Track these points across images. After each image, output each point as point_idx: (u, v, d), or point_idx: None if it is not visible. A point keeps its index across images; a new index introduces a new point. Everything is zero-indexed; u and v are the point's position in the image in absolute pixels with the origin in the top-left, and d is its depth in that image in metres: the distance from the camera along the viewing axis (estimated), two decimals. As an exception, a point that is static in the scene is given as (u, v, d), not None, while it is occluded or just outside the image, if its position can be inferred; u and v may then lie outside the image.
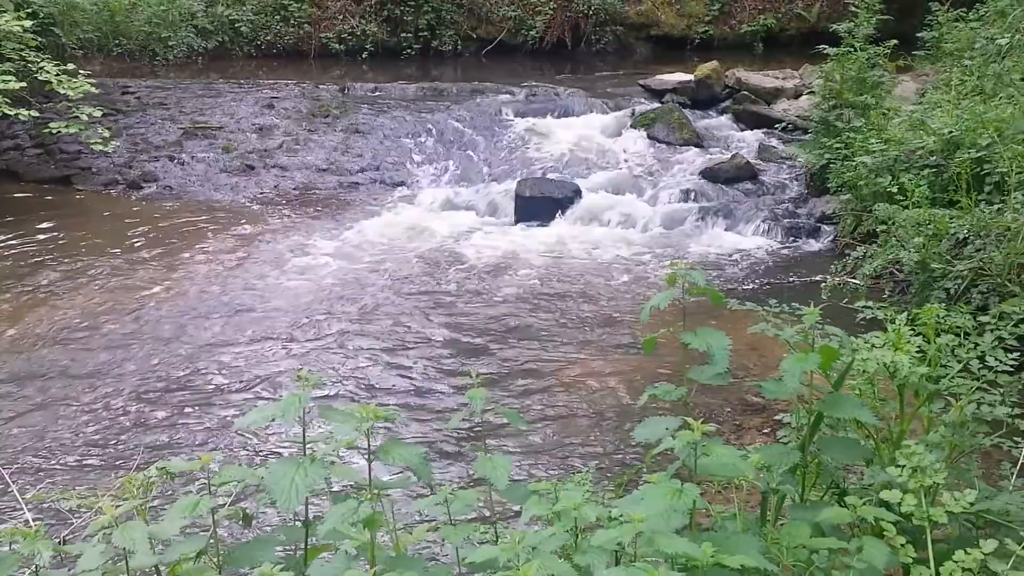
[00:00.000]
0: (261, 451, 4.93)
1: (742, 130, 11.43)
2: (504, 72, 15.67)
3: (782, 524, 2.45)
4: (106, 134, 10.09)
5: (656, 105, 11.88)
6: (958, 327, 2.75)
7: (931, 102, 8.22)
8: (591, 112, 11.89)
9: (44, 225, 8.96)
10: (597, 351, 6.25)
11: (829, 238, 8.50)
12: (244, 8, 16.41)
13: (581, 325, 6.71)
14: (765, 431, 4.92)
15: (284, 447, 4.87)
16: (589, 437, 5.06)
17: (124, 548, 2.19)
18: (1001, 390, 2.70)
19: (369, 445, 2.18)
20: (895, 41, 9.05)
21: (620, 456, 4.80)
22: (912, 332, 2.67)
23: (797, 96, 11.55)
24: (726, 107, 12.11)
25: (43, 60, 9.80)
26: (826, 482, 2.60)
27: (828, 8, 17.72)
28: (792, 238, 8.69)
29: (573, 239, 8.79)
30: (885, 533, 2.07)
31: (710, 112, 12.14)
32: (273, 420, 2.30)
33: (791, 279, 7.64)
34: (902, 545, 2.08)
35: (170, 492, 3.71)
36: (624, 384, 5.69)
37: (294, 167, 10.69)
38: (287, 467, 2.22)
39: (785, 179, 9.93)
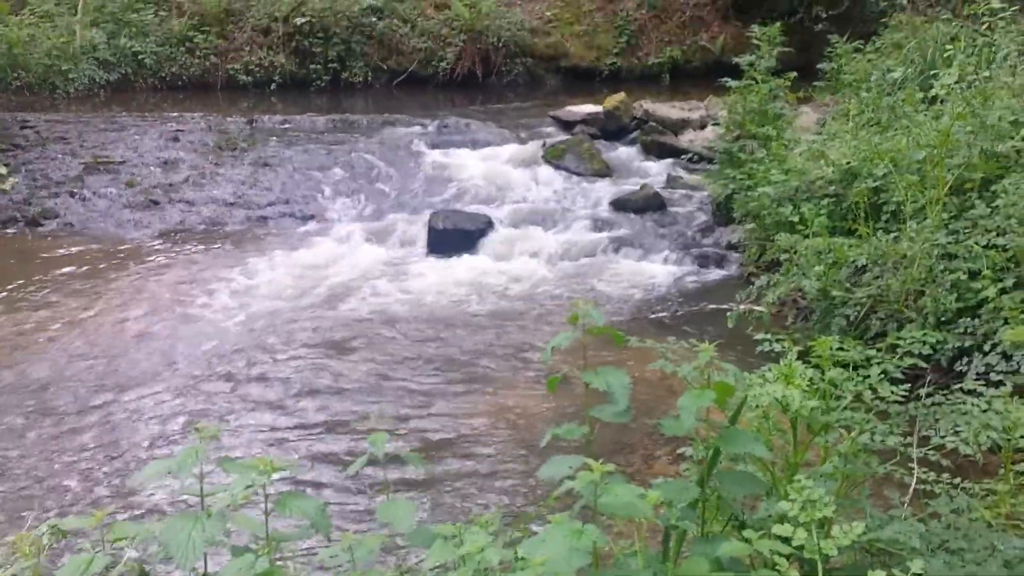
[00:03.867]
0: (158, 505, 4.78)
1: (650, 161, 11.65)
2: (415, 104, 15.70)
3: (684, 559, 2.49)
4: (3, 171, 9.78)
5: (566, 136, 12.04)
6: (848, 361, 2.83)
7: (830, 133, 8.50)
8: (502, 143, 11.97)
9: (-64, 266, 8.64)
10: (507, 387, 6.25)
11: (735, 266, 8.68)
12: (148, 40, 16.12)
13: (492, 360, 6.71)
14: (674, 461, 4.98)
15: (182, 500, 4.74)
16: (498, 476, 5.05)
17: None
18: (891, 421, 2.79)
19: (266, 498, 2.15)
20: (795, 73, 9.34)
21: (529, 495, 4.80)
22: (807, 364, 2.75)
23: (703, 127, 11.81)
24: (635, 138, 12.32)
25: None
26: (726, 515, 2.64)
27: (732, 41, 18.21)
28: (700, 267, 8.85)
29: (486, 271, 8.81)
30: (778, 567, 2.11)
31: (619, 143, 12.35)
32: (169, 474, 2.25)
33: (700, 307, 7.77)
34: (794, 579, 2.12)
35: (62, 551, 3.58)
36: (533, 421, 5.69)
37: (200, 201, 10.50)
38: (184, 521, 2.17)
39: (692, 209, 10.13)
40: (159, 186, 10.71)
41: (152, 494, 4.85)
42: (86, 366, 6.52)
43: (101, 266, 8.71)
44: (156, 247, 9.42)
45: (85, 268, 8.65)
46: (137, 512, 4.70)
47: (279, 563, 2.34)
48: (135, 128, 12.16)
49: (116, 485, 5.00)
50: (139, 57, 15.96)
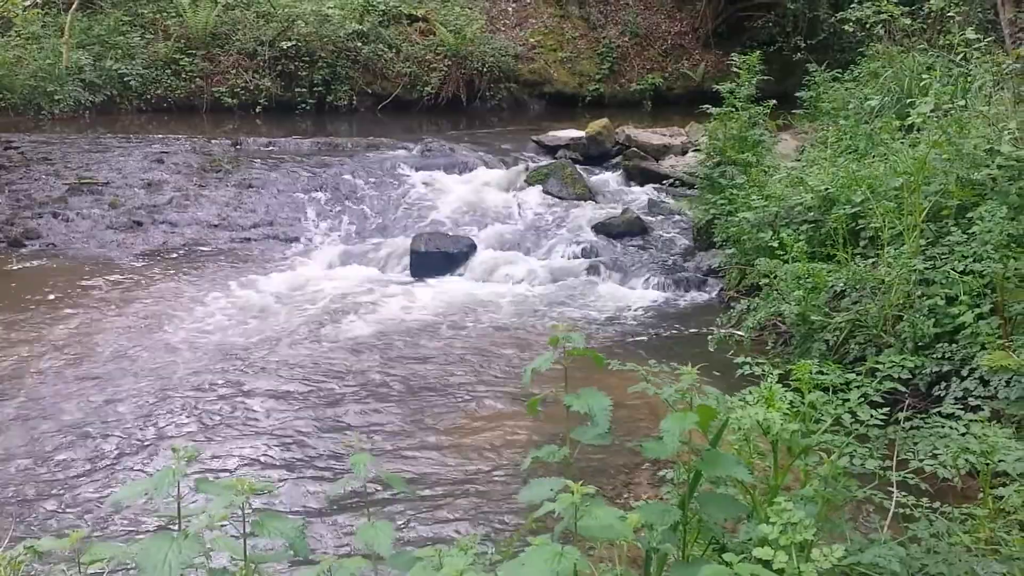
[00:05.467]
0: (135, 526, 4.74)
1: (632, 185, 11.74)
2: (400, 127, 15.77)
3: (664, 582, 2.49)
4: (-15, 191, 9.76)
5: (549, 161, 12.13)
6: (828, 384, 2.86)
7: (809, 159, 8.59)
8: (486, 167, 12.04)
9: (-85, 286, 8.57)
10: (490, 409, 6.25)
11: (716, 291, 8.73)
12: (134, 62, 16.17)
13: (474, 382, 6.71)
14: (655, 484, 4.98)
15: (160, 520, 4.70)
16: (479, 499, 5.03)
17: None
18: (870, 444, 2.81)
19: (244, 520, 2.14)
20: (774, 101, 9.44)
21: (510, 518, 4.79)
22: (788, 388, 2.77)
23: (684, 153, 11.92)
24: (617, 163, 12.44)
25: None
26: (707, 538, 2.65)
27: (712, 68, 18.45)
28: (681, 291, 8.90)
29: (468, 294, 8.82)
30: (758, 590, 2.12)
31: (601, 168, 12.46)
32: (146, 495, 2.24)
33: (680, 331, 7.80)
34: (775, 601, 2.13)
35: (37, 573, 3.55)
36: (515, 443, 5.69)
37: (184, 223, 10.49)
38: (160, 543, 2.16)
39: (674, 233, 10.21)
40: (143, 207, 10.69)
41: (129, 515, 4.81)
42: (64, 386, 6.47)
43: (83, 287, 8.67)
44: (139, 268, 9.38)
45: (67, 289, 8.60)
46: (114, 533, 4.66)
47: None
48: (119, 149, 12.15)
49: (93, 506, 4.95)
50: (125, 79, 16.00)
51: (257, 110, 16.63)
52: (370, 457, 2.66)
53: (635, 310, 8.43)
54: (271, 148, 13.03)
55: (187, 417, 6.07)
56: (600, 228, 10.17)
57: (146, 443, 5.69)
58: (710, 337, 6.43)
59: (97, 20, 16.74)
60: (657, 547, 2.45)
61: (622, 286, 9.10)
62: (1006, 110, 7.14)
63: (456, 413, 6.18)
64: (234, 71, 16.90)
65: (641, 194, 11.37)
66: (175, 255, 9.85)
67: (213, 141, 13.07)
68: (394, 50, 17.71)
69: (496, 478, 5.26)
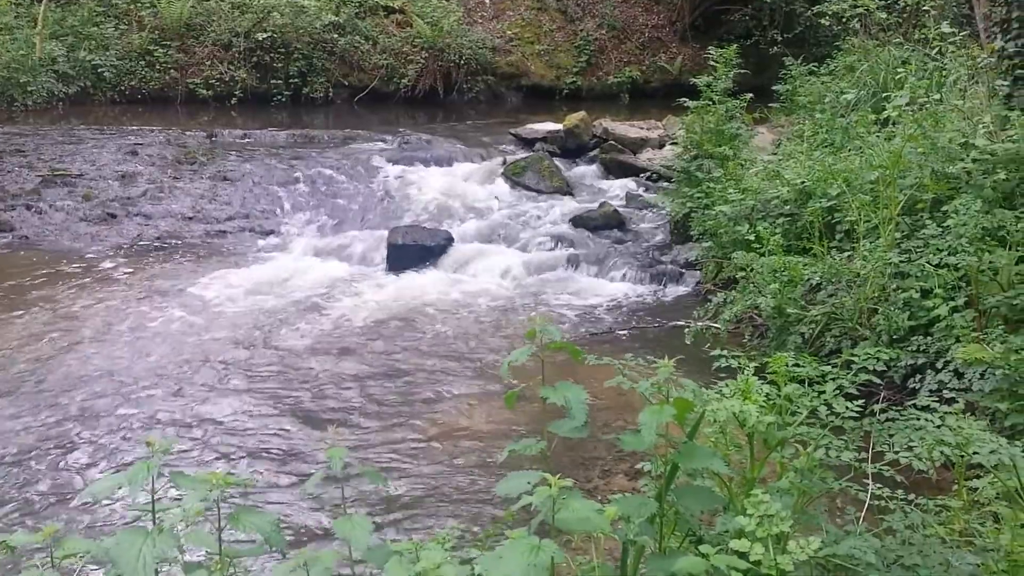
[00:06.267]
0: (110, 521, 4.70)
1: (609, 179, 11.75)
2: (376, 120, 15.71)
3: (642, 574, 2.49)
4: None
5: (527, 154, 12.12)
6: (803, 377, 2.87)
7: (785, 153, 8.62)
8: (463, 160, 12.01)
9: None
10: (466, 403, 6.24)
11: (693, 284, 8.75)
12: (108, 53, 16.02)
13: (451, 376, 6.69)
14: (632, 477, 4.99)
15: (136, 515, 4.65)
16: (456, 492, 5.02)
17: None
18: (846, 436, 2.82)
19: (219, 513, 2.12)
20: (751, 94, 9.47)
21: (489, 511, 4.78)
22: (764, 380, 2.78)
23: (661, 146, 11.94)
24: (594, 156, 12.44)
25: None
26: (684, 530, 2.66)
27: (690, 62, 18.48)
28: (657, 284, 8.91)
29: (445, 287, 8.80)
30: (735, 582, 2.13)
31: (579, 161, 12.46)
32: (121, 489, 2.21)
33: (657, 324, 7.82)
34: (751, 593, 2.14)
35: (10, 567, 3.51)
36: (493, 436, 5.68)
37: (158, 215, 10.39)
38: (134, 538, 2.13)
39: (651, 227, 10.22)
40: (117, 199, 10.59)
41: (104, 508, 4.76)
42: (37, 380, 6.41)
43: (56, 279, 8.58)
44: (112, 261, 9.29)
45: (40, 281, 8.50)
46: (89, 527, 4.62)
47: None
48: (93, 141, 12.03)
49: (67, 499, 4.91)
50: (99, 70, 15.85)
51: (232, 102, 16.50)
52: (346, 451, 2.65)
53: (612, 303, 8.44)
54: (246, 140, 12.94)
55: (161, 410, 6.02)
56: (577, 221, 10.17)
57: (118, 436, 5.63)
58: (687, 330, 6.45)
59: (70, 11, 16.57)
60: (634, 539, 2.45)
61: (599, 279, 9.11)
62: (981, 104, 7.21)
63: (433, 406, 6.16)
64: (209, 62, 16.77)
65: (618, 187, 11.38)
66: (149, 248, 9.76)
67: (188, 133, 12.97)
68: (370, 42, 17.63)
69: (473, 471, 5.26)
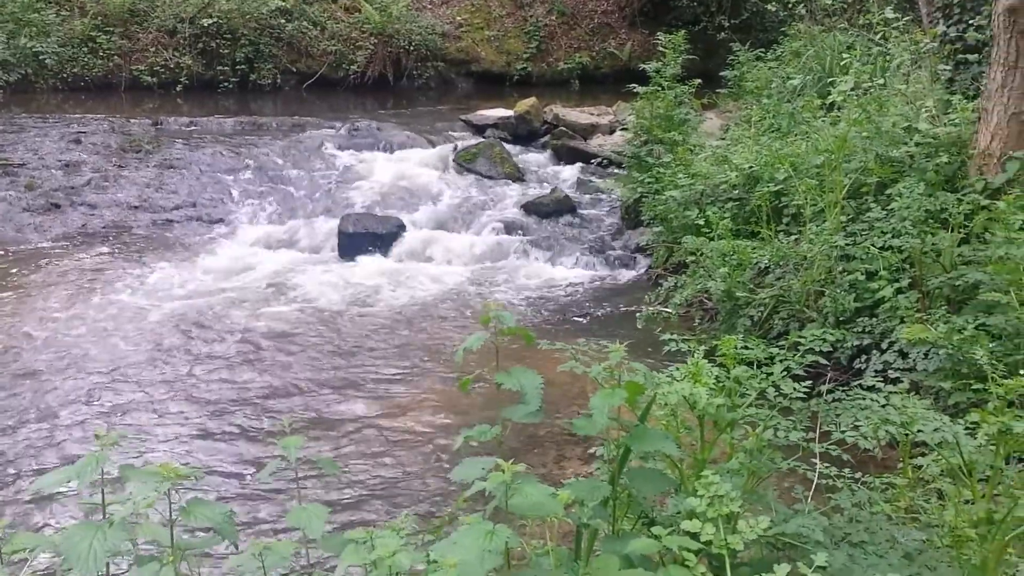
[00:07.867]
0: (59, 515, 4.63)
1: (561, 164, 11.77)
2: (326, 106, 15.57)
3: (596, 557, 2.52)
4: None
5: (478, 140, 12.08)
6: (752, 359, 2.91)
7: (733, 138, 8.71)
8: (414, 147, 11.93)
9: None
10: (420, 390, 6.23)
11: (644, 268, 8.81)
12: (49, 40, 15.65)
13: (404, 363, 6.68)
14: (586, 460, 5.03)
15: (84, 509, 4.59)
16: (411, 479, 5.03)
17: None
18: (794, 417, 2.87)
19: (170, 506, 2.11)
20: (699, 80, 9.54)
21: (443, 497, 4.79)
22: (714, 363, 2.81)
23: (612, 132, 11.98)
24: (545, 142, 12.45)
25: None
26: (636, 513, 2.68)
27: (639, 48, 18.54)
28: (609, 269, 8.97)
29: (397, 275, 8.77)
30: (687, 562, 2.16)
31: (530, 147, 12.46)
32: (70, 482, 2.19)
33: (609, 309, 7.87)
34: (703, 573, 2.17)
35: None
36: (447, 423, 5.69)
37: (103, 205, 10.21)
38: (85, 531, 2.11)
39: (602, 212, 10.27)
40: (60, 189, 10.38)
41: (55, 502, 4.70)
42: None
43: (-3, 272, 8.41)
44: (57, 251, 9.12)
45: (-20, 274, 8.34)
46: (40, 522, 4.55)
47: (185, 573, 2.29)
48: (35, 130, 11.79)
49: (16, 493, 4.83)
50: (40, 57, 15.49)
51: (178, 89, 16.23)
52: (301, 440, 2.64)
53: (564, 288, 8.47)
54: (193, 128, 12.75)
55: (107, 401, 5.94)
56: (529, 207, 10.18)
57: (67, 428, 5.55)
58: (638, 314, 6.51)
59: (9, -4, 16.17)
60: (588, 523, 2.47)
61: (551, 265, 9.14)
62: (923, 88, 7.33)
63: (387, 394, 6.15)
64: (153, 49, 16.47)
65: (570, 173, 11.40)
66: (95, 238, 9.59)
67: (133, 121, 12.75)
68: (319, 27, 17.44)
69: (429, 458, 5.26)
